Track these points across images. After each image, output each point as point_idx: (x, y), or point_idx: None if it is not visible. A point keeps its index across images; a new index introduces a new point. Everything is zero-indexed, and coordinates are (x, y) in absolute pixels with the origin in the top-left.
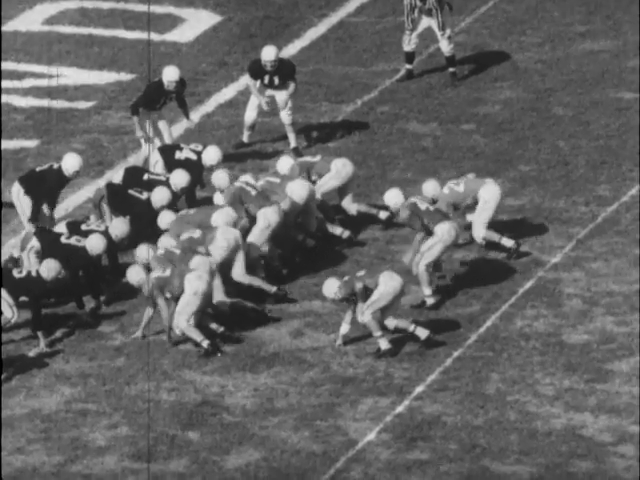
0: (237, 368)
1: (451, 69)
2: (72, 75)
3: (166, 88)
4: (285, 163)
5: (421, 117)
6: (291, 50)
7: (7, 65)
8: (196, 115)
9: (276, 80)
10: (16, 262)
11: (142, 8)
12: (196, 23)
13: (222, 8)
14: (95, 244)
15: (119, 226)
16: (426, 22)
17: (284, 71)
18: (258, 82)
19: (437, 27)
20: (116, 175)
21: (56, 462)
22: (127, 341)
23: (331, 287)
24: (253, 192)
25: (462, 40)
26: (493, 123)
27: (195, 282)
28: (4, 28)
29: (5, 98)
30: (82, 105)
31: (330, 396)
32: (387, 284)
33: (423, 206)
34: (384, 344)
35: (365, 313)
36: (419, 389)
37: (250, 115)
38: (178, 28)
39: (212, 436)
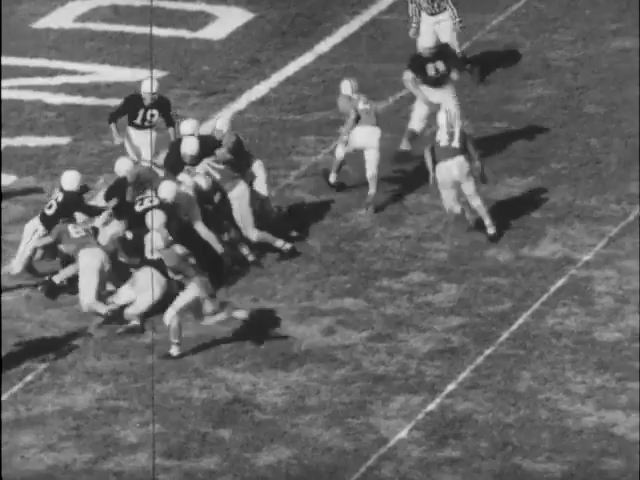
0: (268, 366)
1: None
2: (104, 72)
3: (144, 101)
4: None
5: None
6: (323, 47)
7: (39, 62)
8: (228, 112)
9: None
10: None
11: (174, 5)
12: (228, 20)
13: (254, 5)
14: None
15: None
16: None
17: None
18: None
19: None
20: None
21: (87, 459)
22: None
23: None
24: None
25: (494, 38)
26: (525, 121)
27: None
28: (35, 25)
29: (37, 95)
30: (114, 102)
31: (361, 394)
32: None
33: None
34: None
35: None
36: (450, 387)
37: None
38: (210, 25)
39: (243, 434)
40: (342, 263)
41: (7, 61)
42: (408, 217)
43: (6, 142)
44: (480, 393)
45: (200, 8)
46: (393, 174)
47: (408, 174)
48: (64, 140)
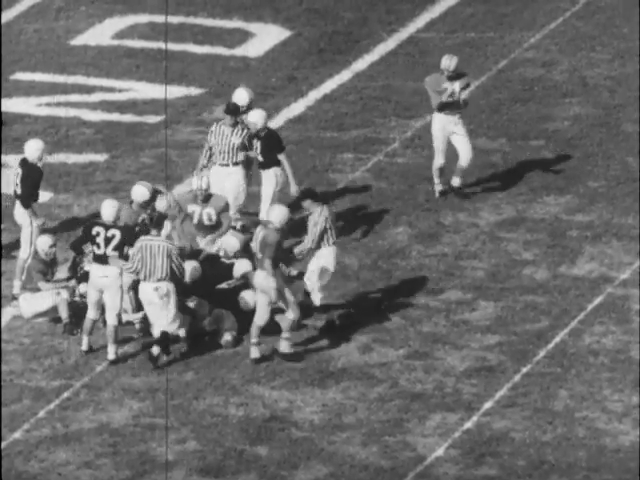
0: (305, 383)
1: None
2: (141, 89)
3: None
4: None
5: (490, 133)
6: (360, 65)
7: (77, 79)
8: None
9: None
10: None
11: (212, 22)
12: (265, 38)
13: (291, 23)
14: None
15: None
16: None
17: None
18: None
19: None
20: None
21: (124, 477)
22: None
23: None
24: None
25: (531, 56)
26: (562, 139)
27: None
28: (73, 42)
29: (74, 112)
30: (151, 119)
31: (398, 412)
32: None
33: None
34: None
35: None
36: (487, 405)
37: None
38: (247, 43)
39: (280, 451)
40: (379, 281)
41: (45, 78)
42: (445, 235)
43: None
44: (517, 411)
45: (237, 25)
46: (429, 192)
47: (444, 193)
48: (101, 157)
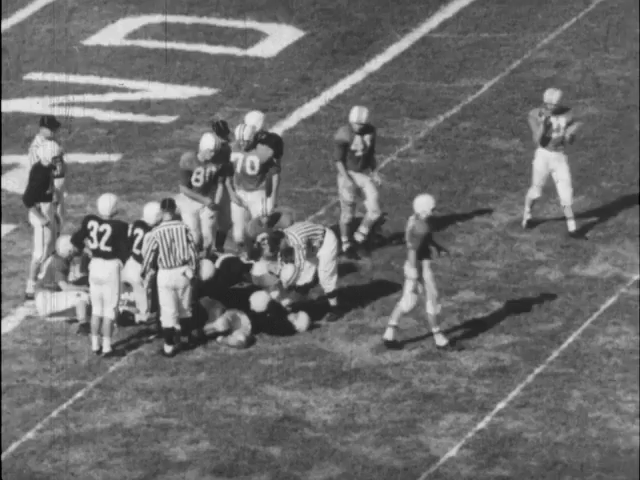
0: (318, 383)
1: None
2: (154, 89)
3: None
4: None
5: (503, 133)
6: (373, 66)
7: (90, 79)
8: (278, 130)
9: None
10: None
11: (224, 23)
12: (279, 38)
13: (305, 24)
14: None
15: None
16: None
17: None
18: None
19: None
20: None
21: (137, 477)
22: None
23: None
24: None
25: (545, 57)
26: (575, 140)
27: None
28: (86, 42)
29: (87, 112)
30: (164, 119)
31: (411, 412)
32: None
33: None
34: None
35: None
36: (500, 405)
37: None
38: (261, 43)
39: (293, 451)
40: (392, 281)
41: (58, 78)
42: (458, 236)
43: None
44: (530, 412)
45: (251, 26)
46: (443, 192)
47: (457, 193)
48: (114, 157)
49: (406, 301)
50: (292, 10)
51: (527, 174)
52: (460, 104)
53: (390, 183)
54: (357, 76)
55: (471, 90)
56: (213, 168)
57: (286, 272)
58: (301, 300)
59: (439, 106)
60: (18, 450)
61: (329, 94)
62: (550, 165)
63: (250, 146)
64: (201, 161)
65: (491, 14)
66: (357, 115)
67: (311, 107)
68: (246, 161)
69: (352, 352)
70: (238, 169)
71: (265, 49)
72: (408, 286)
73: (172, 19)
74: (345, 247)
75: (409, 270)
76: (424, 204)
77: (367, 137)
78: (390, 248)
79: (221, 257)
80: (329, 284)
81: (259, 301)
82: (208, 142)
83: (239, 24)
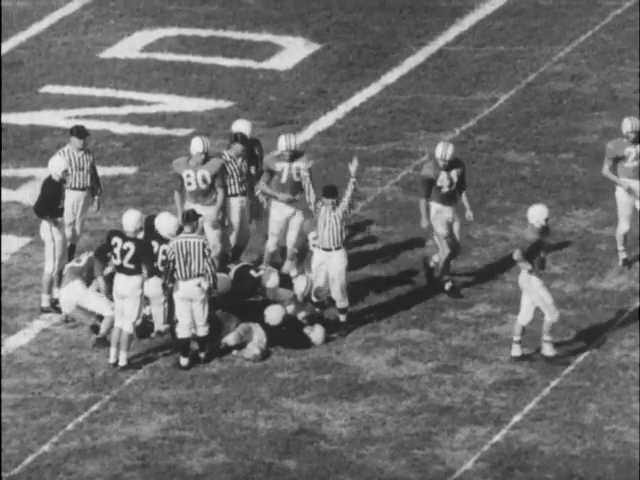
0: (334, 396)
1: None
2: (170, 102)
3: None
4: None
5: (519, 146)
6: (389, 78)
7: (106, 92)
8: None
9: None
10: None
11: (241, 35)
12: (294, 51)
13: (321, 36)
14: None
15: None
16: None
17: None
18: None
19: None
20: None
21: None
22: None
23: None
24: None
25: (560, 69)
26: (591, 152)
27: None
28: (102, 55)
29: (103, 125)
30: (180, 132)
31: (427, 425)
32: None
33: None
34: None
35: None
36: (516, 418)
37: None
38: (276, 56)
39: (309, 464)
40: (408, 294)
41: (74, 91)
42: (474, 249)
43: None
44: (546, 425)
45: (267, 39)
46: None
47: (473, 206)
48: (130, 170)
49: (523, 314)
50: (308, 23)
51: (543, 187)
52: (476, 117)
53: (407, 196)
54: (373, 89)
55: (487, 103)
56: (205, 172)
57: (300, 284)
58: (319, 313)
59: (455, 119)
60: (34, 463)
61: (345, 107)
62: (633, 193)
63: (295, 155)
64: (192, 165)
65: (507, 27)
66: (441, 151)
67: (327, 120)
68: (292, 168)
69: (368, 365)
70: (284, 179)
71: (281, 62)
72: (526, 299)
73: (188, 32)
74: (447, 286)
75: (527, 281)
76: (538, 214)
77: (454, 172)
78: (406, 260)
79: (233, 268)
80: (342, 301)
81: (274, 314)
82: (198, 145)
83: (255, 37)
